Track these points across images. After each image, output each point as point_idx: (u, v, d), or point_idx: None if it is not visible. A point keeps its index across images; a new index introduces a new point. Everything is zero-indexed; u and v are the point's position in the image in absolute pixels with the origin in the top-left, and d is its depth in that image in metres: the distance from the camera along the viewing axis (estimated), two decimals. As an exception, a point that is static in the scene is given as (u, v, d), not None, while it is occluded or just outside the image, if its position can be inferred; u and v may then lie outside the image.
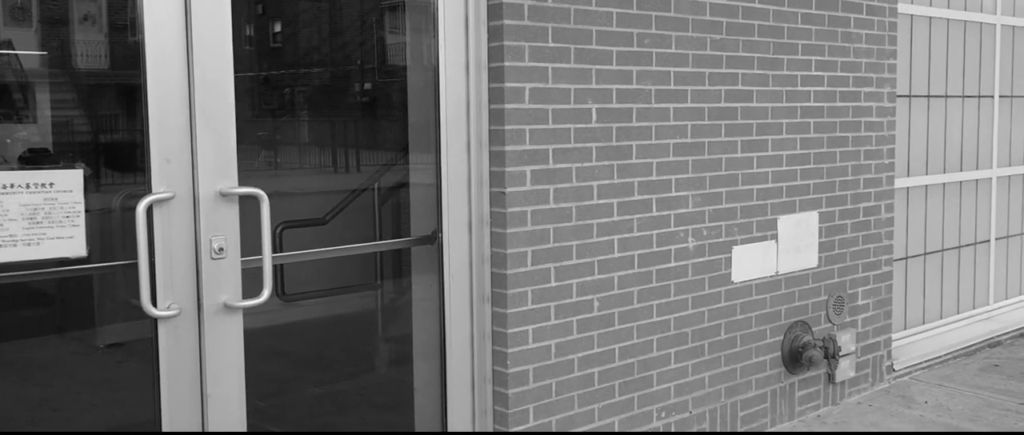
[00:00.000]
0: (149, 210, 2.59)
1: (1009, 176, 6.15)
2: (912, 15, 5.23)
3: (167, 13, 2.62)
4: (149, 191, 2.62)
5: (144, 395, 2.86)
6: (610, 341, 3.61)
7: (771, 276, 4.19)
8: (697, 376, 3.93)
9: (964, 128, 5.74)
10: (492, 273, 3.34)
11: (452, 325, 3.35)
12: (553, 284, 3.42)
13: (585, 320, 3.52)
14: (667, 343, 3.80)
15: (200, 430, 2.77)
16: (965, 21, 5.64)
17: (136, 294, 2.61)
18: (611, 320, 3.60)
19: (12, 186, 2.44)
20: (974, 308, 5.91)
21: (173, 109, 2.64)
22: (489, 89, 3.28)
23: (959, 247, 5.79)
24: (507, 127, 3.25)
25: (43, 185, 2.48)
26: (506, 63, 3.23)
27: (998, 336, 5.68)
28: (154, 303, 2.62)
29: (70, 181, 2.52)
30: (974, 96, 5.81)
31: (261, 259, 2.77)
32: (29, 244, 2.46)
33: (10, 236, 2.43)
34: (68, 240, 2.51)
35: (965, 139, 5.75)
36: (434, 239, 3.36)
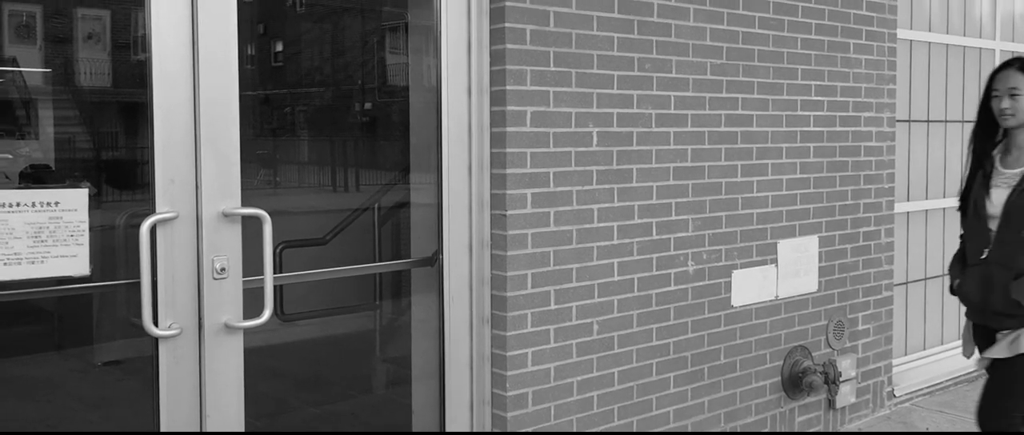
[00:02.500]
0: (152, 229, 2.60)
1: (1008, 202, 6.15)
2: (911, 40, 5.26)
3: (174, 36, 2.65)
4: (153, 211, 2.63)
5: (142, 413, 2.86)
6: (609, 364, 3.61)
7: (771, 300, 4.20)
8: (696, 400, 3.92)
9: (964, 153, 5.75)
10: (492, 295, 3.34)
11: (451, 347, 3.35)
12: (553, 307, 3.42)
13: (584, 343, 3.52)
14: (666, 367, 3.80)
15: (199, 450, 2.76)
16: (964, 46, 5.68)
17: (137, 313, 2.61)
18: (610, 343, 3.60)
19: (18, 204, 2.45)
20: (974, 334, 5.90)
21: (178, 130, 2.66)
22: (491, 112, 3.30)
23: (958, 272, 5.79)
24: (508, 150, 3.26)
25: (48, 204, 2.49)
26: (508, 86, 3.25)
27: (998, 362, 5.67)
28: (155, 322, 2.63)
29: (75, 200, 2.53)
30: (974, 121, 5.83)
31: (260, 279, 2.78)
32: (33, 262, 2.46)
33: (15, 254, 2.44)
34: (72, 259, 2.51)
35: (965, 164, 5.77)
36: (434, 260, 3.36)
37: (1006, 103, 3.10)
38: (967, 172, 3.28)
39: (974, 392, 5.21)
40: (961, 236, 3.37)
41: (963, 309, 3.38)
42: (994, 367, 3.17)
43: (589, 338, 3.53)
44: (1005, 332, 3.12)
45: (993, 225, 3.12)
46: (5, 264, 2.43)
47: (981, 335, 3.28)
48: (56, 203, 2.50)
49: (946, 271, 3.47)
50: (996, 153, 3.21)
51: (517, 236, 3.30)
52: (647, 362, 3.73)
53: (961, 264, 3.29)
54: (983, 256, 3.13)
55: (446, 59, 3.26)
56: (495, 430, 3.36)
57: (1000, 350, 3.12)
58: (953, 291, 3.33)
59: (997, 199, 3.10)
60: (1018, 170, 3.09)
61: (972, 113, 5.79)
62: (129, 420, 4.10)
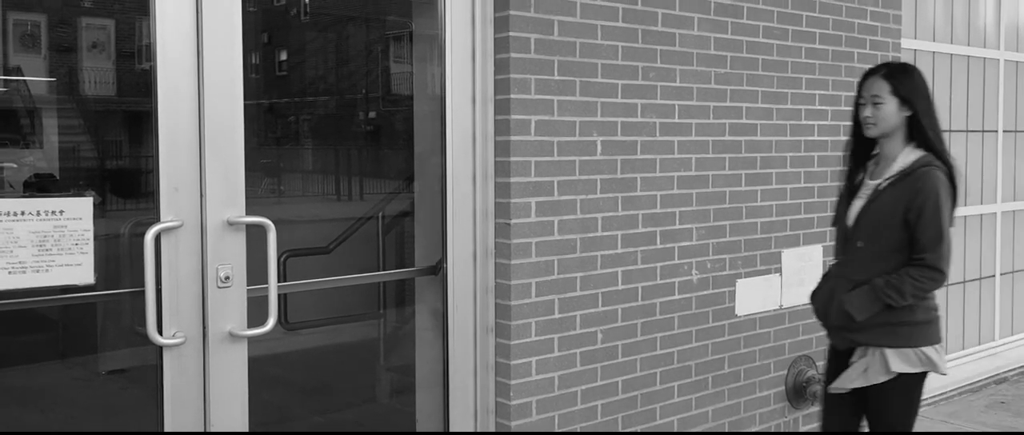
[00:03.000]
0: (157, 238, 2.60)
1: (1014, 211, 6.15)
2: (916, 50, 5.26)
3: (179, 45, 2.65)
4: (157, 219, 2.63)
5: (146, 422, 2.85)
6: (613, 373, 3.60)
7: (775, 310, 4.19)
8: (700, 410, 3.91)
9: (968, 163, 5.76)
10: (496, 304, 3.34)
11: (455, 356, 3.35)
12: (557, 315, 3.41)
13: (588, 352, 3.51)
14: (670, 376, 3.79)
15: (202, 459, 2.76)
16: (968, 56, 5.68)
17: (141, 321, 2.61)
18: (614, 352, 3.60)
19: (23, 213, 2.46)
20: (979, 344, 5.89)
21: (183, 138, 2.66)
22: (495, 121, 3.30)
23: (964, 282, 5.78)
24: (512, 159, 3.26)
25: (53, 213, 2.49)
26: (512, 95, 3.25)
27: (1004, 373, 5.65)
28: (160, 331, 2.63)
29: (80, 209, 2.53)
30: (978, 131, 5.83)
31: (264, 288, 2.78)
32: (38, 271, 2.46)
33: (19, 263, 2.44)
34: (76, 267, 2.51)
35: (969, 174, 5.76)
36: (438, 269, 3.36)
37: (868, 111, 2.92)
38: (843, 183, 3.09)
39: (979, 401, 5.20)
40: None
41: None
42: (855, 395, 2.97)
43: (593, 347, 3.52)
44: (858, 353, 2.93)
45: (847, 237, 2.99)
46: (10, 273, 2.43)
47: (833, 355, 3.08)
48: (61, 212, 2.50)
49: None
50: (872, 164, 3.03)
51: (521, 245, 3.30)
52: (651, 371, 3.72)
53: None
54: (835, 267, 3.04)
55: (450, 68, 3.27)
56: (499, 433, 3.36)
57: (853, 377, 2.93)
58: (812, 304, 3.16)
59: (854, 210, 2.96)
60: (878, 181, 2.93)
61: (976, 123, 5.81)
62: (133, 429, 4.09)
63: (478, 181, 3.33)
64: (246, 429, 2.83)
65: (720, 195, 3.91)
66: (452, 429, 3.37)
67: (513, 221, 3.27)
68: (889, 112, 2.89)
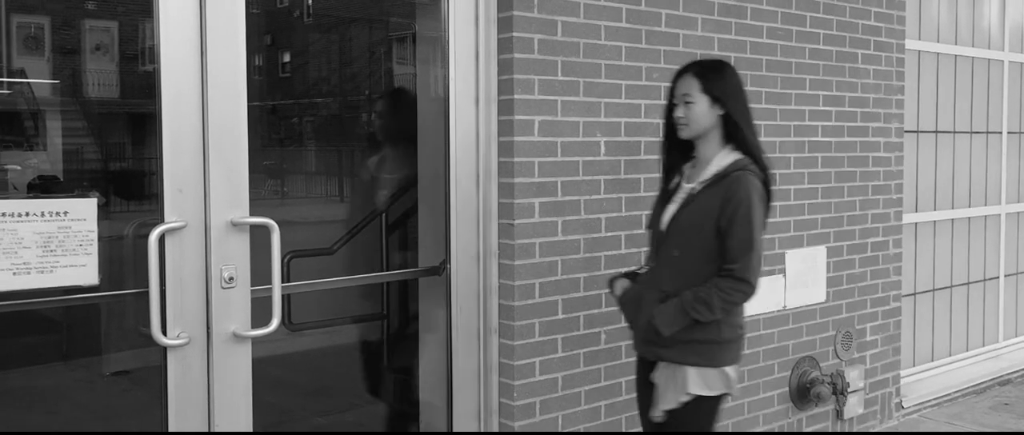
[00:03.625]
0: (161, 239, 2.60)
1: (1018, 213, 6.14)
2: (920, 51, 5.26)
3: (183, 46, 2.65)
4: (162, 220, 2.63)
5: (149, 423, 2.86)
6: (616, 374, 3.59)
7: (778, 311, 4.18)
8: (705, 411, 3.90)
9: (972, 164, 5.75)
10: (500, 304, 3.34)
11: (459, 356, 3.34)
12: (560, 316, 3.41)
13: (592, 353, 3.51)
14: (675, 377, 3.78)
15: (206, 460, 2.76)
16: (973, 57, 5.67)
17: (145, 322, 2.61)
18: (618, 353, 3.59)
19: (27, 214, 2.46)
20: (983, 345, 5.88)
21: (186, 140, 2.66)
22: (498, 121, 3.30)
23: (968, 284, 5.77)
24: (516, 159, 3.26)
25: (57, 214, 2.50)
26: (516, 96, 3.25)
27: (1008, 374, 5.64)
28: (164, 331, 2.63)
29: (84, 210, 2.53)
30: (982, 132, 5.82)
31: (268, 289, 2.77)
32: (42, 272, 2.47)
33: (24, 264, 2.45)
34: (81, 268, 2.52)
35: (973, 175, 5.76)
36: (442, 270, 3.36)
37: (680, 111, 2.73)
38: (660, 186, 2.92)
39: (983, 403, 5.19)
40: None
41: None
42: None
43: (597, 348, 3.52)
44: (660, 369, 2.73)
45: (659, 242, 2.79)
46: (14, 274, 2.44)
47: (641, 366, 2.86)
48: (65, 213, 2.50)
49: None
50: (687, 166, 2.84)
51: (525, 245, 3.30)
52: (655, 372, 3.71)
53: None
54: (644, 274, 2.86)
55: (454, 69, 3.27)
56: (504, 433, 3.35)
57: (667, 399, 2.71)
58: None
59: (667, 215, 2.76)
60: (692, 184, 2.74)
61: (981, 124, 5.80)
62: (136, 429, 4.09)
63: (482, 182, 3.33)
64: (250, 429, 2.83)
65: (724, 196, 3.90)
66: (456, 429, 3.37)
67: (517, 222, 3.27)
68: (700, 112, 2.70)
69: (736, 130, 2.71)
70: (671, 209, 2.75)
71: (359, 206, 2.78)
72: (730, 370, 2.71)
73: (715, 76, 2.73)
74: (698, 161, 2.79)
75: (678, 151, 2.83)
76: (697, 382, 2.67)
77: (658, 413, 2.74)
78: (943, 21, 5.46)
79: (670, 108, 2.79)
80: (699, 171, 2.76)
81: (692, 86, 2.72)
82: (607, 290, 3.52)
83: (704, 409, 2.71)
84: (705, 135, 2.74)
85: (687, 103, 2.72)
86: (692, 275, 2.66)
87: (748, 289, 2.62)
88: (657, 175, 3.65)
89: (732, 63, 3.86)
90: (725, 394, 2.73)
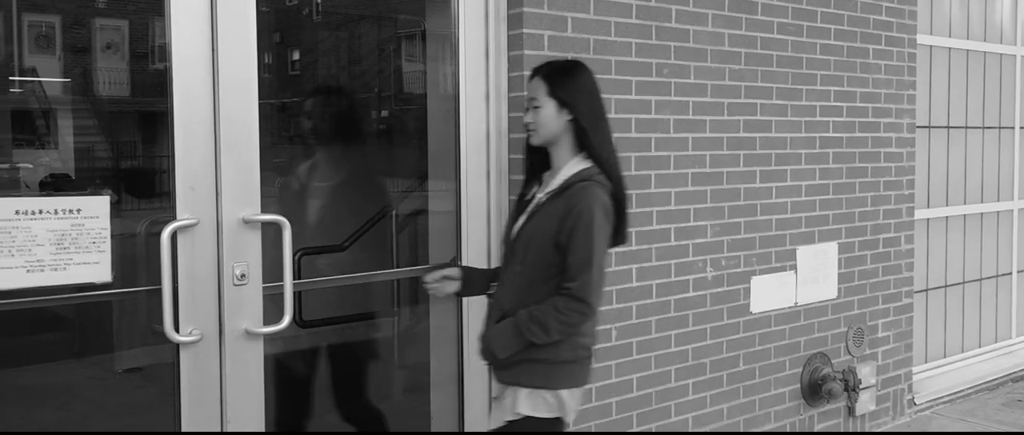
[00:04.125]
0: (173, 236, 2.61)
1: (1030, 208, 6.10)
2: (931, 46, 5.23)
3: (195, 46, 2.66)
4: (174, 217, 2.64)
5: (162, 419, 2.87)
6: (628, 371, 3.59)
7: (790, 307, 4.17)
8: (715, 407, 3.90)
9: (984, 160, 5.72)
10: (511, 302, 3.33)
11: (470, 353, 3.34)
12: (572, 313, 3.40)
13: (603, 349, 3.50)
14: (685, 374, 3.78)
15: (219, 457, 2.77)
16: (985, 52, 5.64)
17: (157, 319, 2.62)
18: (629, 350, 3.59)
19: (41, 212, 2.47)
20: (996, 342, 5.85)
21: (198, 138, 2.67)
22: (509, 117, 3.30)
23: (980, 280, 5.74)
24: (527, 156, 3.25)
25: (70, 211, 2.51)
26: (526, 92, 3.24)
27: (1021, 370, 5.61)
28: (177, 328, 2.64)
29: (97, 207, 2.54)
30: (994, 127, 5.79)
31: (280, 285, 2.78)
32: (56, 269, 2.48)
33: (38, 261, 2.46)
34: (94, 266, 2.53)
35: (985, 170, 5.72)
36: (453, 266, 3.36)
37: (528, 116, 2.55)
38: (518, 195, 2.72)
39: (996, 399, 5.16)
40: None
41: None
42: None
43: (607, 344, 3.51)
44: (497, 389, 2.59)
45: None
46: (28, 271, 2.45)
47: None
48: (78, 210, 2.52)
49: None
50: (548, 175, 2.62)
51: (535, 242, 3.29)
52: (665, 368, 3.71)
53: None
54: (492, 291, 2.66)
55: (464, 65, 3.27)
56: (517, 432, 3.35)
57: (499, 416, 2.58)
58: None
59: (516, 228, 2.58)
60: (542, 195, 2.55)
61: (993, 120, 5.77)
62: (150, 427, 4.11)
63: (492, 178, 3.32)
64: (262, 426, 2.84)
65: (735, 192, 3.90)
66: (466, 424, 3.37)
67: (527, 219, 3.26)
68: (547, 117, 2.50)
69: (585, 137, 2.50)
70: (520, 221, 2.56)
71: (293, 219, 2.62)
72: (566, 394, 2.49)
73: (564, 78, 2.52)
74: (553, 170, 2.59)
75: (538, 158, 2.62)
76: (526, 404, 2.48)
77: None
78: (955, 16, 5.43)
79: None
80: (550, 181, 2.56)
81: (539, 89, 2.52)
82: (617, 286, 3.51)
83: (532, 431, 2.51)
84: (556, 142, 2.54)
85: (534, 107, 2.52)
86: (533, 293, 2.46)
87: (586, 309, 2.43)
88: (668, 171, 3.66)
89: (742, 59, 3.89)
90: (559, 418, 2.52)
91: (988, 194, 5.76)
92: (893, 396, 4.72)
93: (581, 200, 2.42)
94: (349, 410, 3.59)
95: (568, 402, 2.51)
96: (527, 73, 3.23)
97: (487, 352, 2.54)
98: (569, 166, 2.52)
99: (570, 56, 3.34)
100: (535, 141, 2.56)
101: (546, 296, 2.45)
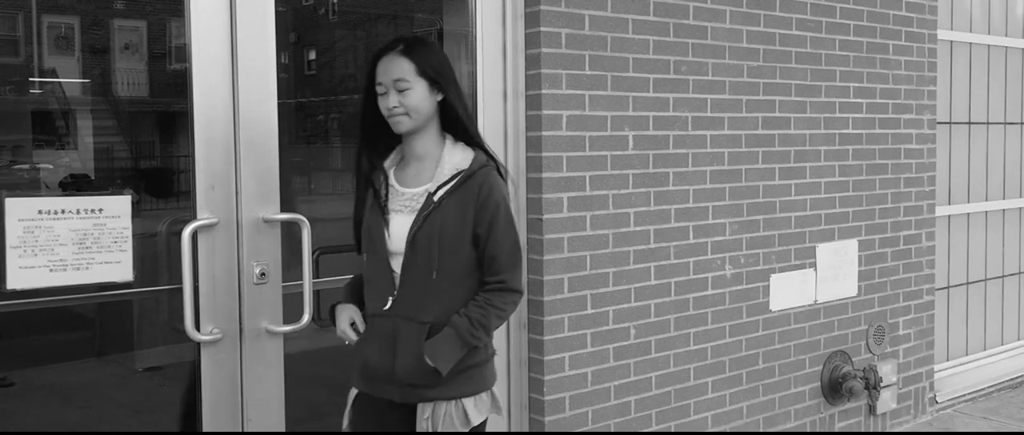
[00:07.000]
0: (194, 235, 2.62)
1: (1052, 204, 6.03)
2: (952, 41, 5.18)
3: (214, 46, 2.68)
4: (194, 217, 2.66)
5: (183, 418, 2.88)
6: (647, 369, 3.58)
7: (810, 305, 4.14)
8: (735, 405, 3.88)
9: (1007, 155, 5.66)
10: (529, 300, 3.33)
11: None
12: (590, 311, 3.40)
13: (621, 348, 3.50)
14: (704, 372, 3.76)
15: (239, 455, 2.78)
16: (1006, 47, 5.58)
17: (178, 318, 2.64)
18: (648, 348, 3.58)
19: (63, 212, 2.49)
20: (1019, 339, 5.79)
21: (218, 138, 2.69)
22: (526, 116, 3.30)
23: (1003, 277, 5.68)
24: (544, 154, 3.25)
25: (93, 211, 2.53)
26: (543, 91, 3.24)
27: (1043, 368, 5.55)
28: (197, 327, 2.65)
29: (119, 207, 2.56)
30: (1016, 123, 5.73)
31: (299, 284, 2.79)
32: (78, 268, 2.50)
33: (60, 260, 2.48)
34: (116, 265, 2.55)
35: (1008, 167, 5.67)
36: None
37: (393, 100, 2.24)
38: (355, 193, 2.40)
39: (1018, 398, 5.11)
40: (362, 273, 2.43)
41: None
42: None
43: (626, 342, 3.51)
44: (432, 408, 2.27)
45: (396, 264, 2.27)
46: (51, 271, 2.47)
47: (384, 413, 2.33)
48: (100, 210, 2.53)
49: (333, 321, 2.43)
50: (390, 166, 2.36)
51: (553, 240, 3.29)
52: (685, 367, 3.69)
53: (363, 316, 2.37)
54: (387, 306, 2.27)
55: (481, 64, 3.27)
56: (533, 432, 3.35)
57: None
58: (356, 352, 2.37)
59: (398, 229, 2.26)
60: (420, 188, 2.28)
61: (1015, 115, 5.71)
62: (170, 425, 4.13)
63: (510, 176, 3.32)
64: (283, 425, 2.86)
65: (753, 189, 3.88)
66: (486, 428, 3.36)
67: (545, 216, 3.26)
68: (419, 98, 2.24)
69: (457, 118, 2.29)
70: (401, 221, 2.27)
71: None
72: (495, 389, 2.38)
73: (429, 54, 2.27)
74: (411, 159, 2.33)
75: (382, 146, 2.36)
76: (475, 412, 2.30)
77: None
78: (975, 11, 5.38)
79: (367, 97, 2.31)
80: (420, 171, 2.30)
81: (405, 68, 2.23)
82: (635, 284, 3.51)
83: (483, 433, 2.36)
84: (424, 127, 2.29)
85: (402, 89, 2.23)
86: (456, 297, 2.25)
87: (519, 299, 2.30)
88: (686, 169, 3.64)
89: (761, 55, 3.86)
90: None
91: (1010, 190, 5.70)
92: (914, 394, 4.69)
93: (495, 190, 2.25)
94: None
95: (498, 395, 2.39)
96: (545, 71, 3.23)
97: (425, 373, 2.22)
98: (449, 152, 2.29)
99: (587, 54, 3.33)
100: (406, 127, 2.26)
101: (466, 296, 2.26)
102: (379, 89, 2.27)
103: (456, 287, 2.26)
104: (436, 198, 2.24)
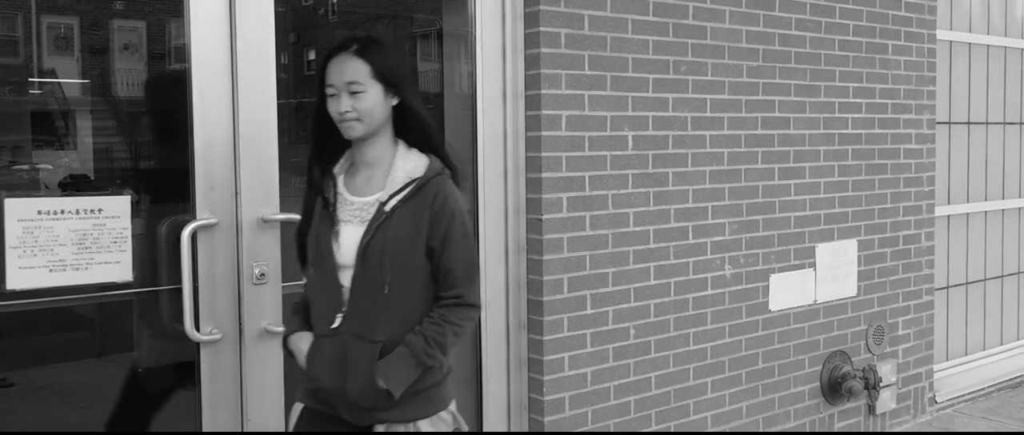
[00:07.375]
0: (193, 236, 2.62)
1: (1052, 204, 6.03)
2: (951, 41, 5.18)
3: (213, 47, 2.68)
4: (193, 217, 2.66)
5: (183, 418, 2.88)
6: (646, 369, 3.58)
7: (809, 305, 4.14)
8: (734, 406, 3.88)
9: (1006, 155, 5.66)
10: (528, 300, 3.33)
11: (488, 351, 3.35)
12: (589, 311, 3.40)
13: (621, 348, 3.50)
14: (703, 372, 3.76)
15: (239, 455, 2.78)
16: (1006, 47, 5.58)
17: (178, 318, 2.64)
18: (647, 348, 3.58)
19: (63, 212, 2.50)
20: (1018, 339, 5.79)
21: (217, 138, 2.69)
22: (526, 117, 3.30)
23: (1002, 277, 5.69)
24: (544, 154, 3.26)
25: (92, 211, 2.53)
26: (543, 91, 3.24)
27: (1043, 368, 5.55)
28: (197, 327, 2.65)
29: (118, 207, 2.57)
30: (1016, 123, 5.73)
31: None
32: (78, 269, 2.50)
33: (60, 261, 2.48)
34: (115, 265, 2.55)
35: (1007, 167, 5.67)
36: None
37: (346, 104, 2.10)
38: (304, 203, 2.25)
39: (1018, 397, 5.11)
40: (305, 293, 2.29)
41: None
42: None
43: (625, 342, 3.51)
44: (385, 429, 2.16)
45: (345, 278, 2.14)
46: (51, 271, 2.47)
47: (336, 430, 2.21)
48: (99, 210, 2.54)
49: (283, 339, 2.30)
50: (339, 173, 2.23)
51: (553, 240, 3.29)
52: (684, 367, 3.70)
53: (310, 332, 2.22)
54: (335, 325, 2.14)
55: (481, 64, 3.27)
56: (532, 432, 3.35)
57: None
58: (305, 373, 2.21)
59: (348, 241, 2.13)
60: (371, 197, 2.15)
61: (1015, 115, 5.71)
62: (170, 425, 4.13)
63: (509, 177, 3.32)
64: (282, 425, 2.86)
65: (753, 189, 3.88)
66: (485, 422, 3.37)
67: (545, 217, 3.26)
68: (374, 102, 2.11)
69: (413, 122, 2.17)
70: (351, 233, 2.14)
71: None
72: (453, 406, 2.26)
73: (384, 55, 2.14)
74: (360, 166, 2.20)
75: (331, 152, 2.22)
76: (432, 433, 2.20)
77: None
78: (975, 11, 5.38)
79: (322, 101, 2.16)
80: (370, 179, 2.18)
81: (360, 71, 2.10)
82: (635, 284, 3.51)
83: None
84: (378, 132, 2.16)
85: (356, 93, 2.10)
86: (409, 313, 2.12)
87: (476, 314, 2.19)
88: (686, 169, 3.64)
89: (760, 55, 3.86)
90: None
91: (1010, 190, 5.70)
92: (914, 394, 4.69)
93: (449, 200, 2.13)
94: None
95: (456, 413, 2.27)
96: (545, 71, 3.23)
97: (377, 395, 2.09)
98: (402, 159, 2.17)
99: (586, 55, 3.33)
100: (358, 133, 2.13)
101: (422, 311, 2.14)
102: (329, 91, 2.13)
103: (409, 302, 2.13)
104: (388, 208, 2.11)
